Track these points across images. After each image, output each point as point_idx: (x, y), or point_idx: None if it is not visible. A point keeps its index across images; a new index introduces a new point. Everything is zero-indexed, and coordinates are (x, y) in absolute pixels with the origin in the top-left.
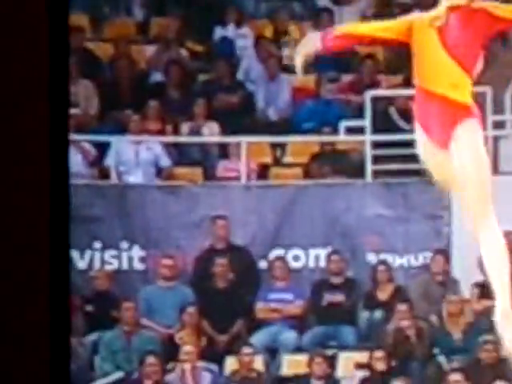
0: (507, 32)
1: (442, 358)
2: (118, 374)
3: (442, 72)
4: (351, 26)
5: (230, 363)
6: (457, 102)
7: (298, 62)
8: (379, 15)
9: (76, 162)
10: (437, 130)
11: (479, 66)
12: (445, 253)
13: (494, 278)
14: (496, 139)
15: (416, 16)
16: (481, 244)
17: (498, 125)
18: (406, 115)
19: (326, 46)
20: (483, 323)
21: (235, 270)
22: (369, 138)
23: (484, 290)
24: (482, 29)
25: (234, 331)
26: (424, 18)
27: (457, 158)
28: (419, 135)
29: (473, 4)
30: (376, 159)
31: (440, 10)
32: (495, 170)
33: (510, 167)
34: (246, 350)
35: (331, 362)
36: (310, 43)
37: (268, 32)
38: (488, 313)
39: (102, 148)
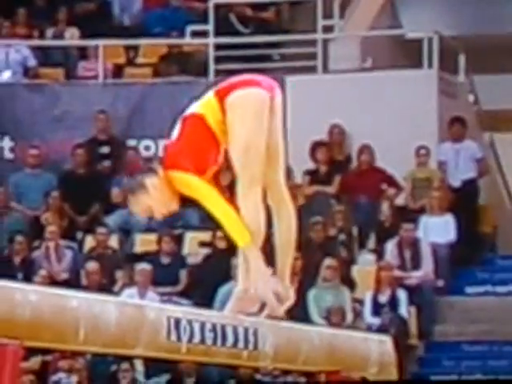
0: None
1: None
2: None
3: None
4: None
5: (89, 241)
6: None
7: None
8: None
9: None
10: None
11: None
12: None
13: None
14: (325, 42)
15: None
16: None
17: (327, 29)
18: (244, 20)
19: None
20: (313, 206)
21: (115, 160)
22: (212, 40)
23: (314, 176)
24: None
25: (91, 213)
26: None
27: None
28: None
29: None
30: (218, 60)
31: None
32: (325, 69)
33: (337, 66)
34: (102, 230)
35: (178, 240)
36: None
37: None
38: (317, 197)
39: None
